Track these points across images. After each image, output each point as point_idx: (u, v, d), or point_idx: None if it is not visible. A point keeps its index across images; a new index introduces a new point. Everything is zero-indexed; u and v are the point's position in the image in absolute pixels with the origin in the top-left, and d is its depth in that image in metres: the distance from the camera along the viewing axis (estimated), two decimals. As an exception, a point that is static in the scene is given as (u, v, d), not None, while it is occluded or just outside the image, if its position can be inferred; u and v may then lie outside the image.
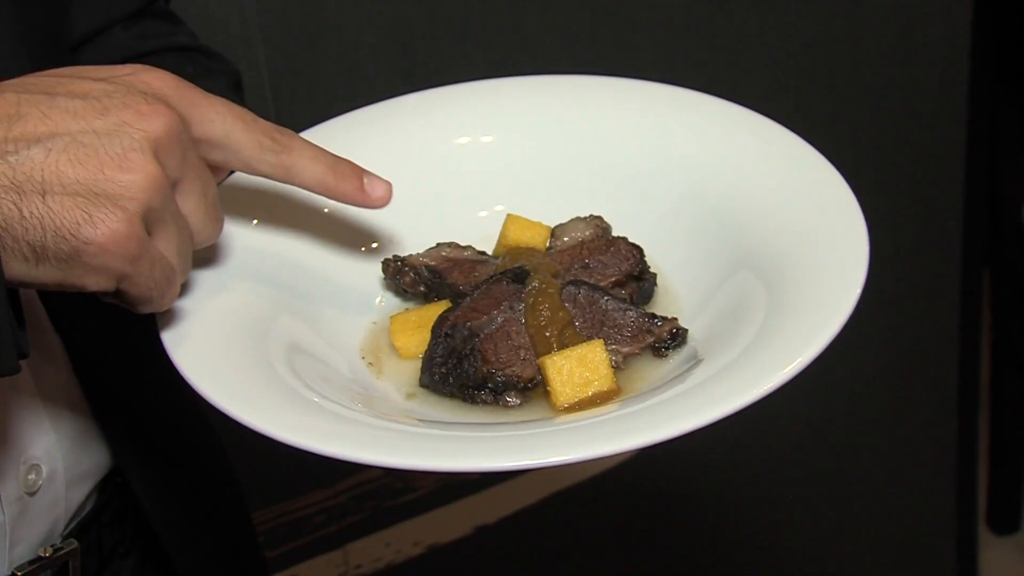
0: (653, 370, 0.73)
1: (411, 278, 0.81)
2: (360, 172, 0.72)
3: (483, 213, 0.85)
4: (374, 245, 0.84)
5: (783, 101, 1.75)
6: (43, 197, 0.60)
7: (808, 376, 0.65)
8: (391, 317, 0.80)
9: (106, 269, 0.61)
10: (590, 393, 0.70)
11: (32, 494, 0.83)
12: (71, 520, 0.87)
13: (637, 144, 0.84)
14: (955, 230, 1.95)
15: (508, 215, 0.82)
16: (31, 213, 0.60)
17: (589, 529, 1.88)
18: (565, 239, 0.80)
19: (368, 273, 0.83)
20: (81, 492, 0.88)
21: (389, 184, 0.73)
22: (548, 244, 0.81)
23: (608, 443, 0.61)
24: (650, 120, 0.84)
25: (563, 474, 1.83)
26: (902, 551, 2.17)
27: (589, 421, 0.67)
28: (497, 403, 0.73)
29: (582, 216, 0.82)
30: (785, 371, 0.63)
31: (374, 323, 0.81)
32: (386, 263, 0.82)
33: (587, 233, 0.80)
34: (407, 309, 0.81)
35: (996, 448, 2.36)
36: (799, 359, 0.63)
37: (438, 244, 0.82)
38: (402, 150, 0.85)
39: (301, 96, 1.45)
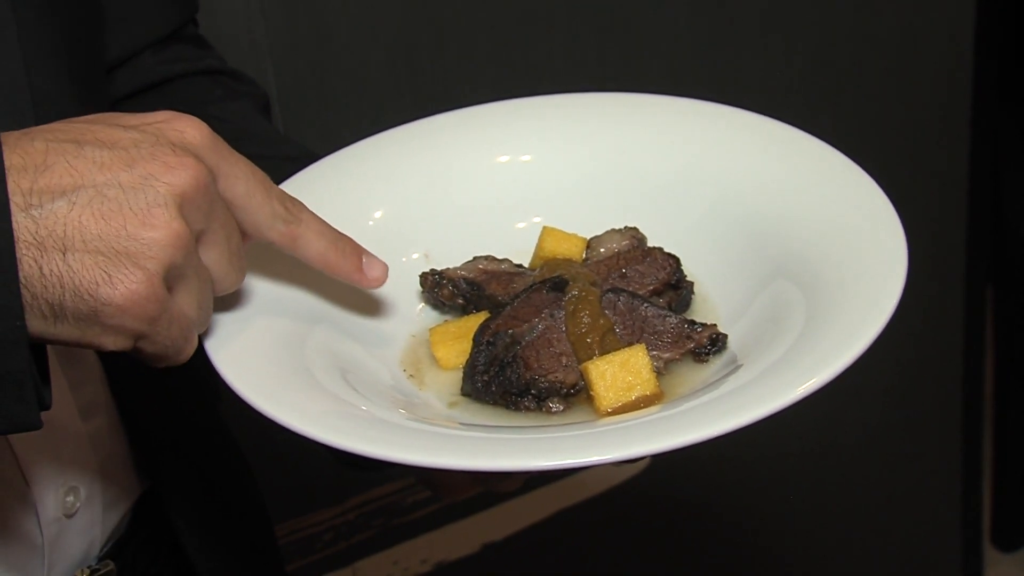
0: (695, 375, 0.74)
1: (449, 291, 0.82)
2: (360, 251, 0.73)
3: (521, 224, 0.86)
4: (415, 256, 0.85)
5: (785, 117, 1.76)
6: (64, 255, 0.59)
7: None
8: (430, 329, 0.81)
9: (124, 329, 0.61)
10: (633, 397, 0.71)
11: (70, 516, 0.84)
12: (107, 542, 0.88)
13: (670, 157, 0.85)
14: (959, 246, 1.97)
15: (544, 227, 0.83)
16: (51, 271, 0.59)
17: (596, 546, 1.88)
18: (601, 250, 0.81)
19: (406, 286, 0.84)
20: (117, 514, 0.88)
21: (385, 265, 0.74)
22: (584, 255, 0.83)
23: (655, 441, 0.62)
24: (682, 133, 0.85)
25: (570, 490, 1.83)
26: (908, 569, 2.18)
27: (634, 422, 0.68)
28: (540, 409, 0.74)
29: (617, 227, 0.83)
30: (825, 373, 0.64)
31: (413, 335, 0.82)
32: (424, 277, 0.83)
33: (623, 244, 0.81)
34: (446, 321, 0.82)
35: (1000, 464, 2.37)
36: (840, 362, 0.65)
37: (475, 257, 0.83)
38: (440, 167, 0.87)
39: (310, 113, 1.47)
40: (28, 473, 0.80)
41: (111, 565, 0.86)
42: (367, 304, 0.82)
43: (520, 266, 0.83)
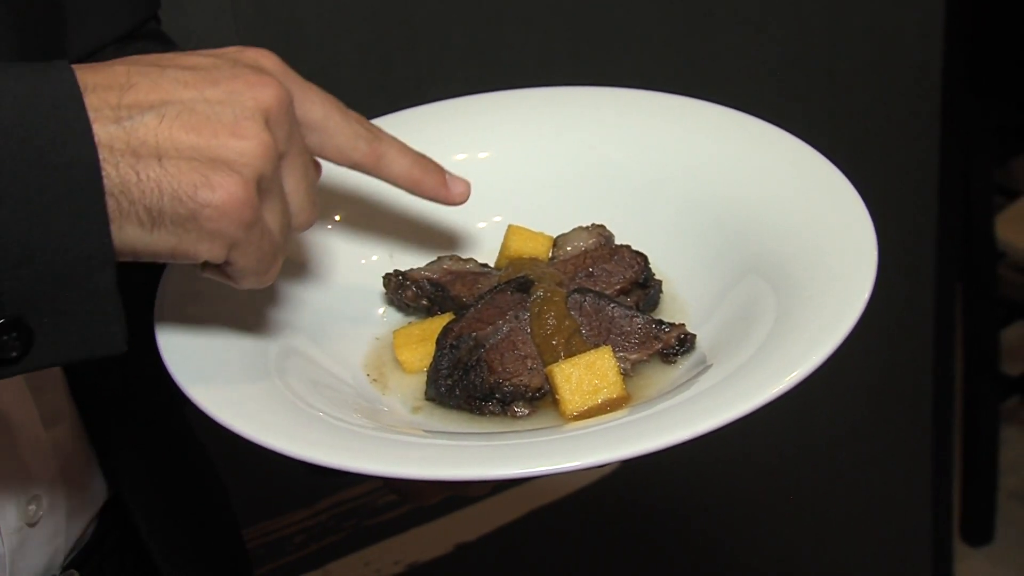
0: (662, 376, 0.73)
1: (413, 292, 0.81)
2: (442, 169, 0.73)
3: (481, 225, 0.85)
4: (374, 258, 0.84)
5: (754, 113, 1.76)
6: (159, 161, 0.59)
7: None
8: (394, 332, 0.79)
9: (221, 234, 0.61)
10: (599, 400, 0.70)
11: (32, 525, 0.82)
12: (71, 551, 0.86)
13: (637, 153, 0.84)
14: (929, 245, 1.97)
15: (509, 226, 0.82)
16: (148, 176, 0.59)
17: (569, 545, 1.88)
18: (568, 248, 0.80)
19: (369, 288, 0.82)
20: (81, 522, 0.87)
21: (468, 183, 0.74)
22: (551, 254, 0.81)
23: (622, 447, 0.61)
24: (649, 128, 0.84)
25: (543, 490, 1.83)
26: (879, 563, 2.19)
27: (601, 427, 0.67)
28: (505, 413, 0.73)
29: (584, 225, 0.82)
30: (797, 373, 0.63)
31: (377, 338, 0.81)
32: (387, 278, 0.82)
33: (590, 242, 0.80)
34: (410, 323, 0.81)
35: (969, 460, 2.38)
36: (811, 361, 0.64)
37: (439, 258, 0.82)
38: None
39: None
40: None
41: (76, 574, 0.84)
42: (329, 307, 0.81)
43: (485, 266, 0.82)
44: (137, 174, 0.59)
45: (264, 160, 0.61)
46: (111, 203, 0.59)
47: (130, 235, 0.60)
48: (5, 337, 0.58)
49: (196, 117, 0.60)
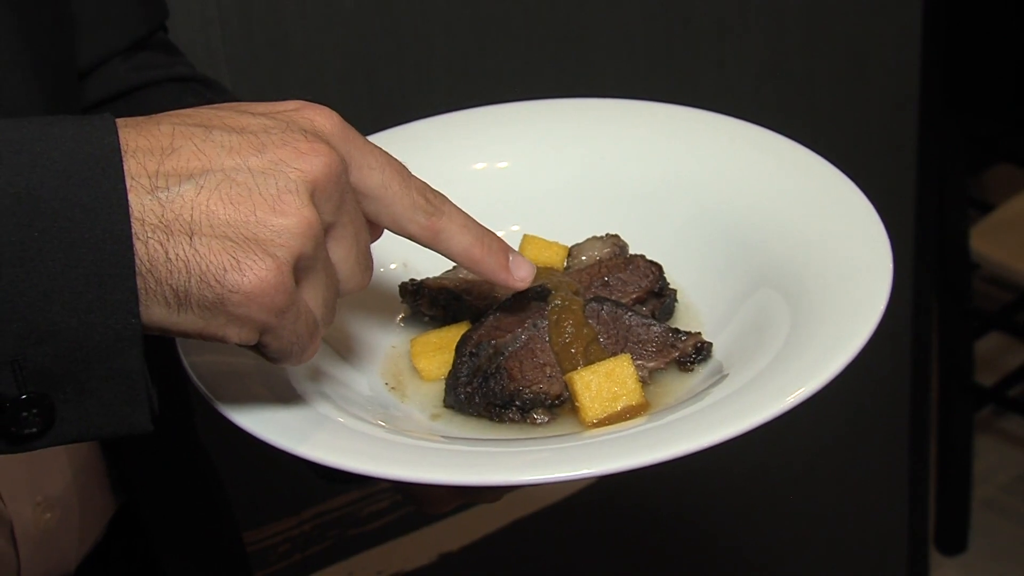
0: (680, 384, 0.74)
1: (429, 301, 0.81)
2: (507, 249, 0.70)
3: (500, 233, 0.85)
4: (392, 267, 0.85)
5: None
6: (190, 239, 0.56)
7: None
8: (411, 340, 0.80)
9: (250, 320, 0.58)
10: (619, 407, 0.71)
11: (46, 533, 0.82)
12: (83, 558, 0.86)
13: (651, 164, 0.85)
14: (905, 257, 2.00)
15: (524, 236, 0.83)
16: (177, 255, 0.56)
17: (554, 554, 1.88)
18: (583, 258, 0.81)
19: (385, 296, 0.83)
20: (94, 530, 0.87)
21: (533, 267, 0.71)
22: (565, 264, 0.82)
23: (644, 454, 0.62)
24: (663, 140, 0.85)
25: (527, 500, 1.83)
26: (854, 572, 2.20)
27: (622, 434, 0.68)
28: (525, 420, 0.73)
29: (598, 235, 0.83)
30: (816, 382, 0.65)
31: (393, 347, 0.82)
32: (403, 287, 0.82)
33: (604, 251, 0.81)
34: (427, 331, 0.82)
35: (944, 470, 2.41)
36: (830, 369, 0.65)
37: (455, 267, 0.83)
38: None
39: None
40: (3, 490, 0.79)
41: None
42: (347, 316, 0.81)
43: (500, 275, 0.83)
44: (166, 252, 0.56)
45: (304, 239, 0.58)
46: (138, 282, 0.56)
47: (156, 315, 0.57)
48: (25, 413, 0.56)
49: (236, 189, 0.57)
